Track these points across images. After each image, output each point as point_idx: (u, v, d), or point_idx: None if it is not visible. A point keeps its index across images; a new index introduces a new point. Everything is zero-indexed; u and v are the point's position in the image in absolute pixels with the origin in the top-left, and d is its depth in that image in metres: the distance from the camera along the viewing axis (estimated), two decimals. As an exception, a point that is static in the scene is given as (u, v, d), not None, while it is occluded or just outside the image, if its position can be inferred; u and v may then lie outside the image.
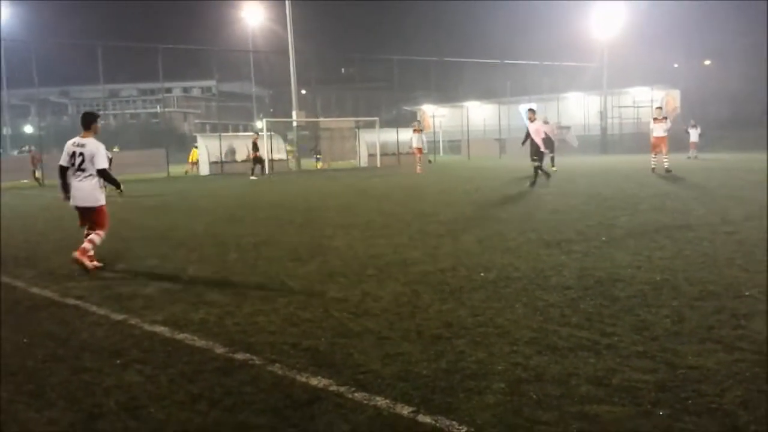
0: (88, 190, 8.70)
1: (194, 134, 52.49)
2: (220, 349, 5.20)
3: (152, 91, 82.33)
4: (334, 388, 4.30)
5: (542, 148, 20.06)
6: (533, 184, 19.45)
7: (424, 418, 3.78)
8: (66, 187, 8.85)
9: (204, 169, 38.15)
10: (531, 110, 20.77)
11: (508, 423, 3.69)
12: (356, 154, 43.29)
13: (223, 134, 41.68)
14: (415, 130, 31.55)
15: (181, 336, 5.60)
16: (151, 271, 8.54)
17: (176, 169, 38.64)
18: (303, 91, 53.58)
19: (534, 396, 4.05)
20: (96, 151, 8.68)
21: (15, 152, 55.77)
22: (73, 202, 8.80)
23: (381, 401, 4.04)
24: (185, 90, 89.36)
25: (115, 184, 8.89)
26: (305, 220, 13.47)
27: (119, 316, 6.31)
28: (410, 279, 7.49)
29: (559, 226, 11.03)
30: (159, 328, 5.86)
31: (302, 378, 4.51)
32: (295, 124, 42.24)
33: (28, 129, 72.85)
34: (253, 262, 9.00)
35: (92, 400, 4.28)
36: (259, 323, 5.91)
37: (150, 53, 40.47)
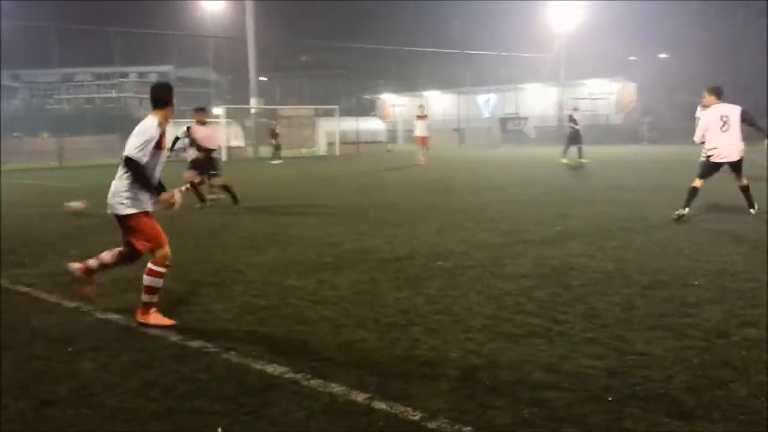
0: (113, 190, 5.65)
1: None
2: (174, 337, 5.17)
3: (107, 76, 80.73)
4: (290, 375, 4.31)
5: (212, 162, 13.69)
6: (235, 201, 13.47)
7: (379, 404, 3.81)
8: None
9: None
10: (199, 110, 14.04)
11: (461, 408, 3.74)
12: (315, 142, 43.10)
13: (179, 120, 41.07)
14: (419, 117, 27.42)
15: (134, 324, 5.54)
16: (104, 259, 8.40)
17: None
18: (262, 78, 53.14)
19: (487, 382, 4.11)
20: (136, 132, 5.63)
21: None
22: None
23: (336, 388, 4.06)
24: (141, 75, 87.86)
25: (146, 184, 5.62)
26: (262, 208, 13.39)
27: (71, 304, 6.21)
28: (368, 267, 7.51)
29: (517, 217, 11.15)
30: (112, 316, 5.79)
31: (258, 365, 4.50)
32: (253, 111, 41.85)
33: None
34: (209, 249, 8.93)
35: (44, 387, 4.22)
36: (214, 311, 5.89)
37: (105, 36, 39.76)
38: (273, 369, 4.42)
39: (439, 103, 57.72)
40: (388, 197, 14.96)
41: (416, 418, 3.64)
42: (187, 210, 13.30)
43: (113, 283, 7.00)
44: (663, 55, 56.14)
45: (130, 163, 5.47)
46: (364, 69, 72.91)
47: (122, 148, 5.66)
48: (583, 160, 24.06)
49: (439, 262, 7.64)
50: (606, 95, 51.56)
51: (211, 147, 13.71)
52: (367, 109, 62.12)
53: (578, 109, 25.84)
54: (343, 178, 21.80)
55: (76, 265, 5.79)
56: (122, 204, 5.55)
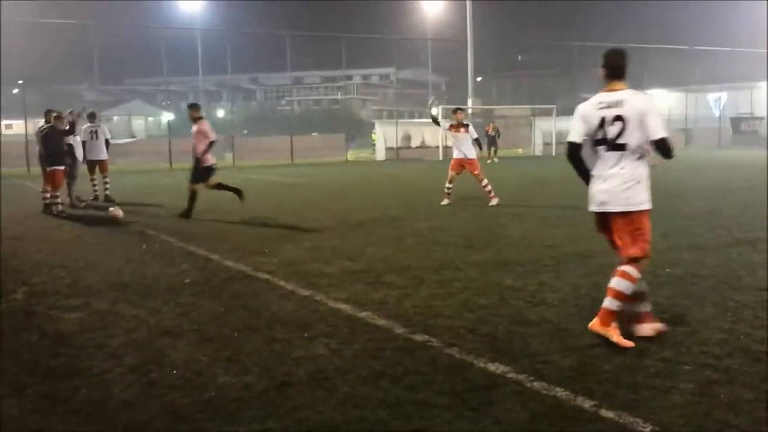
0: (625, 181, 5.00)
1: (372, 120, 53.96)
2: (399, 330, 5.36)
3: (334, 79, 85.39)
4: (512, 375, 4.32)
5: (207, 162, 12.63)
6: (187, 213, 12.53)
7: (607, 413, 3.71)
8: (585, 176, 5.28)
9: (380, 155, 39.01)
10: (192, 106, 13.17)
11: (696, 424, 3.55)
12: (531, 142, 42.63)
13: (399, 121, 42.42)
14: None
15: (362, 314, 5.82)
16: (332, 251, 8.91)
17: (353, 154, 39.84)
18: (479, 78, 53.51)
19: (725, 399, 3.86)
20: (646, 110, 4.95)
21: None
22: (594, 206, 5.21)
23: (561, 392, 4.01)
24: (364, 77, 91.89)
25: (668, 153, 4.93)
26: (479, 208, 13.48)
27: (306, 292, 6.66)
28: (589, 271, 7.32)
29: (749, 223, 10.34)
30: (342, 306, 6.12)
31: (480, 363, 4.56)
32: (470, 111, 42.21)
33: (220, 113, 77.94)
34: (428, 247, 9.15)
35: (283, 369, 4.56)
36: (436, 307, 6.03)
37: (333, 42, 41.96)
38: (495, 368, 4.46)
39: (665, 101, 54.63)
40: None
41: (647, 430, 3.51)
42: (406, 208, 13.73)
43: (343, 274, 7.43)
44: None
45: (667, 144, 4.90)
46: (582, 67, 70.82)
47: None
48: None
49: (668, 269, 7.27)
50: None
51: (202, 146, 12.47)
52: (586, 109, 60.25)
53: None
54: (558, 179, 21.36)
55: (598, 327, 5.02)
56: (638, 198, 4.98)
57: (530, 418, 3.70)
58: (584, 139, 5.16)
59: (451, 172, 14.32)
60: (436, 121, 14.91)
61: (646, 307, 5.10)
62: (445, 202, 14.09)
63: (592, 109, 5.11)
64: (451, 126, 14.39)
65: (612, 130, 4.97)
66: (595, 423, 3.62)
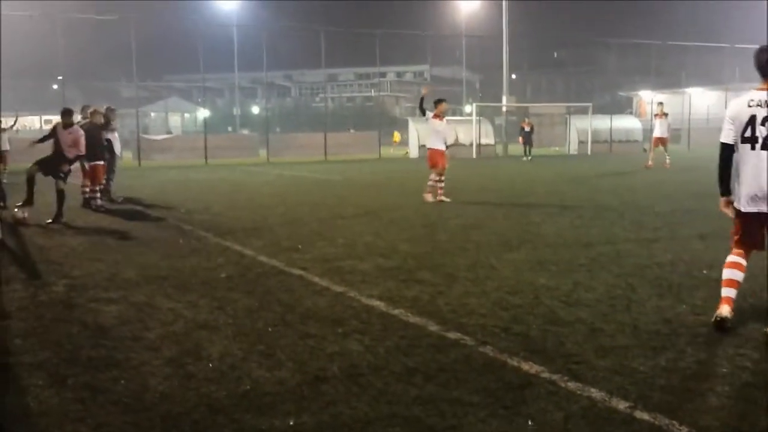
0: None
1: (405, 117, 53.93)
2: (433, 327, 5.38)
3: (368, 76, 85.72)
4: (546, 375, 4.31)
5: (65, 166, 12.08)
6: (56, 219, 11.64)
7: (642, 415, 3.69)
8: (726, 177, 5.39)
9: (413, 152, 38.97)
10: (66, 112, 12.58)
11: (733, 427, 3.52)
12: (566, 140, 42.28)
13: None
14: (657, 115, 24.66)
15: (396, 311, 5.84)
16: (366, 248, 8.95)
17: (387, 151, 39.85)
18: (513, 76, 53.14)
19: (762, 402, 3.81)
20: None
21: (245, 131, 60.55)
22: (747, 205, 5.18)
23: (596, 393, 3.99)
24: (398, 74, 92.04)
25: None
26: (513, 206, 13.43)
27: (339, 288, 6.70)
28: (624, 271, 7.26)
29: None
30: (375, 302, 6.15)
31: (513, 362, 4.56)
32: (504, 109, 41.99)
33: (255, 110, 78.60)
34: (462, 244, 9.14)
35: (317, 364, 4.60)
36: (469, 305, 6.03)
37: (368, 38, 41.98)
38: (529, 367, 4.45)
39: (704, 100, 53.84)
40: (644, 199, 14.30)
41: (683, 432, 3.48)
42: (439, 205, 13.71)
43: (376, 271, 7.46)
44: None
45: None
46: (619, 65, 70.17)
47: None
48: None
49: (705, 271, 7.18)
50: None
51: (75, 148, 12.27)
52: (623, 107, 59.69)
53: None
54: (594, 177, 21.19)
55: None
56: None
57: (564, 418, 3.69)
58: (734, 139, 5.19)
59: (443, 168, 14.49)
60: (422, 109, 14.89)
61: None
62: (447, 199, 14.24)
63: (743, 106, 5.14)
64: (437, 116, 14.54)
65: (763, 130, 5.00)
66: (630, 424, 3.60)
